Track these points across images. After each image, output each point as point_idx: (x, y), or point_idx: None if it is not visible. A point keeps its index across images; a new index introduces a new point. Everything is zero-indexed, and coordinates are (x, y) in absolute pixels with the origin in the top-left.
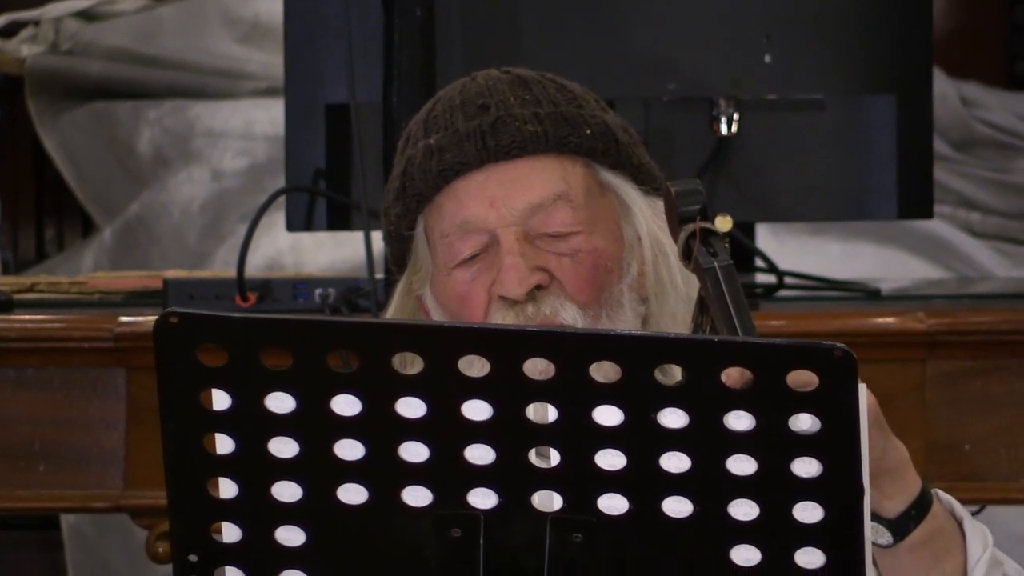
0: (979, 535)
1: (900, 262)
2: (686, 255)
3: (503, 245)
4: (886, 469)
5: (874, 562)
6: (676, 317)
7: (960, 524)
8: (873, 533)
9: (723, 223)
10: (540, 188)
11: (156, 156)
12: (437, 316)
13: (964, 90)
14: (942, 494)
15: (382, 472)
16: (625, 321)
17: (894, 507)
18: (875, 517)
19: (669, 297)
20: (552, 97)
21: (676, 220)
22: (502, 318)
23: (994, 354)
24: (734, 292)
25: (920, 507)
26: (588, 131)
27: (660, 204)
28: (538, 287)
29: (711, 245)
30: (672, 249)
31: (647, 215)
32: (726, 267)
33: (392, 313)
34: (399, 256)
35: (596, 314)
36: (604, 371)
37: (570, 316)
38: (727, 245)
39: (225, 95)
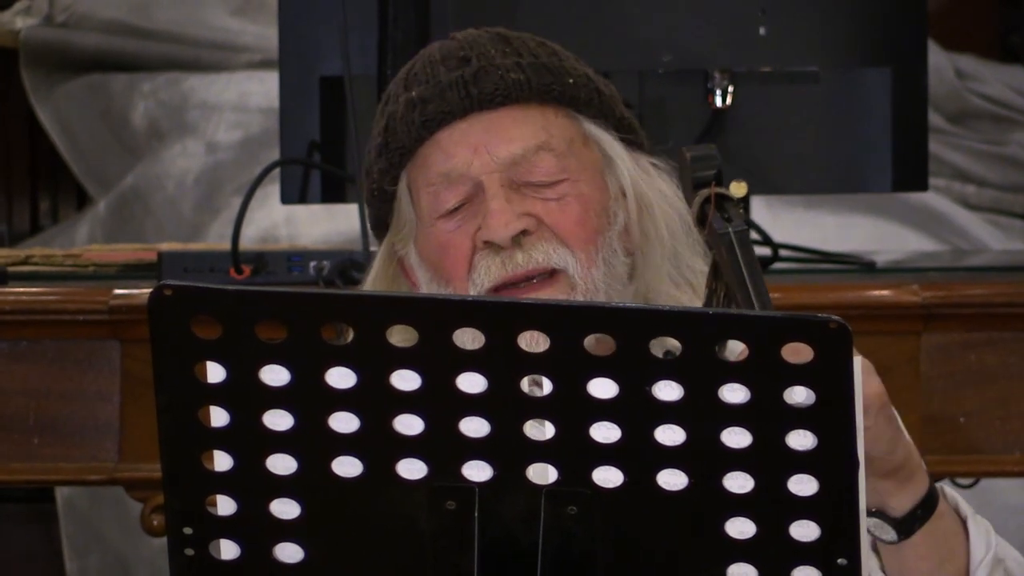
0: (983, 534)
1: (895, 235)
2: (701, 220)
3: (488, 191)
4: (896, 467)
5: (875, 550)
6: (660, 271)
7: (964, 522)
8: (878, 530)
9: (738, 188)
10: (523, 137)
11: (151, 129)
12: (420, 273)
13: (958, 63)
14: (948, 491)
15: (377, 445)
16: (617, 267)
17: (901, 506)
18: (881, 515)
19: (654, 251)
20: (533, 50)
21: (691, 185)
22: (487, 266)
23: (989, 326)
24: (748, 258)
25: (926, 507)
26: (571, 80)
27: (643, 159)
28: (524, 233)
29: (726, 210)
30: (656, 201)
31: (630, 167)
32: (741, 232)
33: (372, 277)
34: (381, 217)
35: (590, 257)
36: (598, 343)
37: (561, 259)
38: (742, 211)
39: (220, 67)
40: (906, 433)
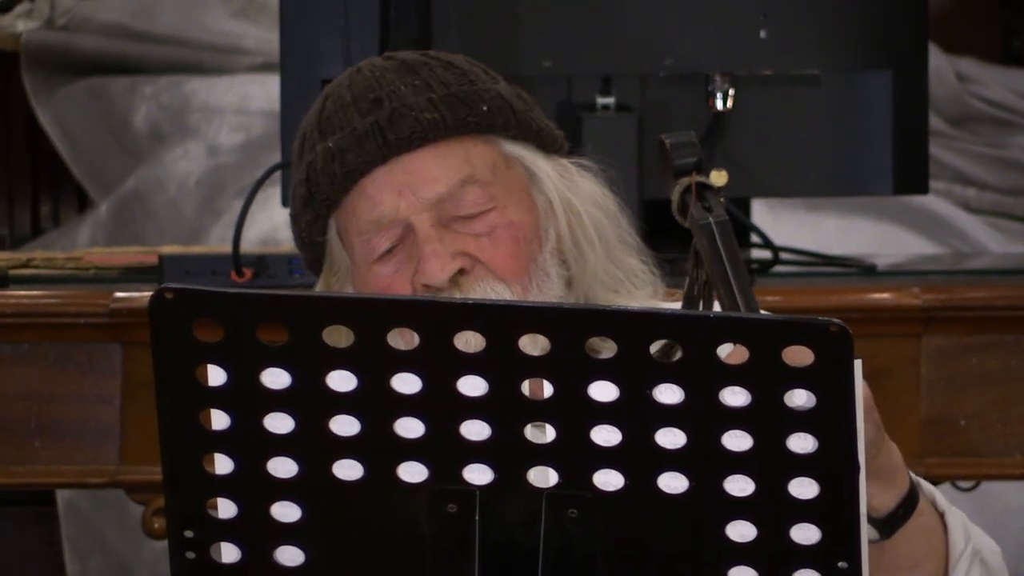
0: (960, 528)
1: (896, 238)
2: (681, 210)
3: (419, 234)
4: (878, 469)
5: None
6: (598, 275)
7: (942, 516)
8: None
9: (718, 177)
10: (446, 175)
11: (152, 132)
12: None
13: (959, 66)
14: (924, 485)
15: (378, 448)
16: (552, 288)
17: (883, 506)
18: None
19: (588, 257)
20: (442, 78)
21: (670, 173)
22: None
23: (990, 329)
24: (730, 248)
25: (907, 506)
26: (484, 107)
27: (564, 163)
28: (461, 272)
29: (706, 200)
30: (582, 207)
31: (554, 178)
32: (722, 223)
33: None
34: (313, 261)
35: (525, 287)
36: (600, 346)
37: (499, 295)
38: (722, 199)
39: (221, 71)
40: (888, 437)
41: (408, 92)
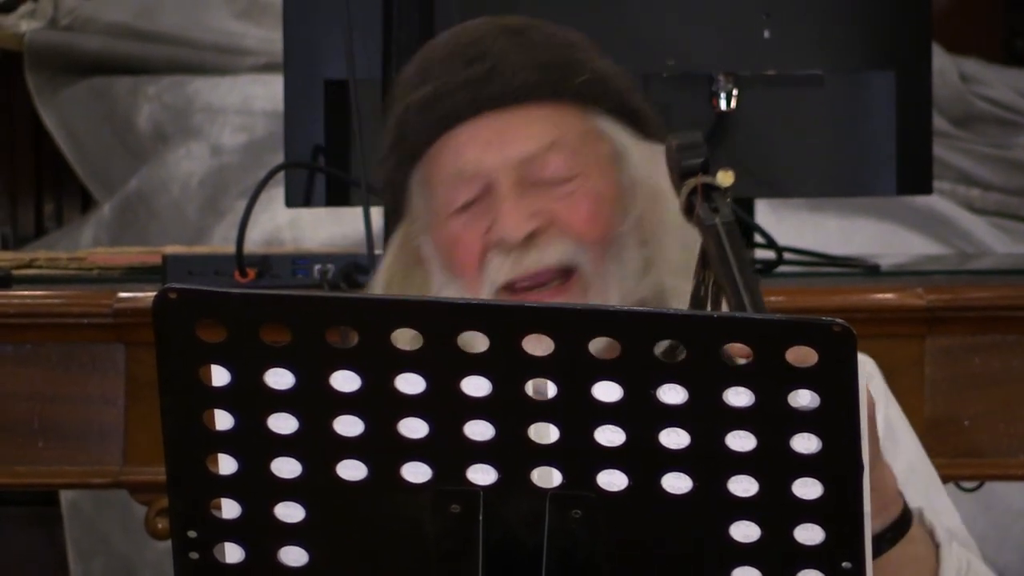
0: (954, 564)
1: (899, 238)
2: (688, 210)
3: (499, 189)
4: (871, 488)
5: None
6: (672, 263)
7: (938, 548)
8: None
9: (725, 178)
10: (534, 136)
11: (155, 132)
12: (434, 264)
13: (963, 66)
14: (927, 516)
15: (381, 448)
16: (630, 262)
17: (871, 526)
18: None
19: (667, 243)
20: (546, 43)
21: (677, 174)
22: (498, 266)
23: (993, 330)
24: (736, 248)
25: (896, 530)
26: (582, 77)
27: (657, 148)
28: (535, 232)
29: (713, 200)
30: (668, 192)
31: (642, 160)
32: (728, 224)
33: (387, 265)
34: (394, 209)
35: (601, 253)
36: (603, 347)
37: (572, 256)
38: (730, 200)
39: (224, 71)
40: (884, 459)
41: (510, 51)
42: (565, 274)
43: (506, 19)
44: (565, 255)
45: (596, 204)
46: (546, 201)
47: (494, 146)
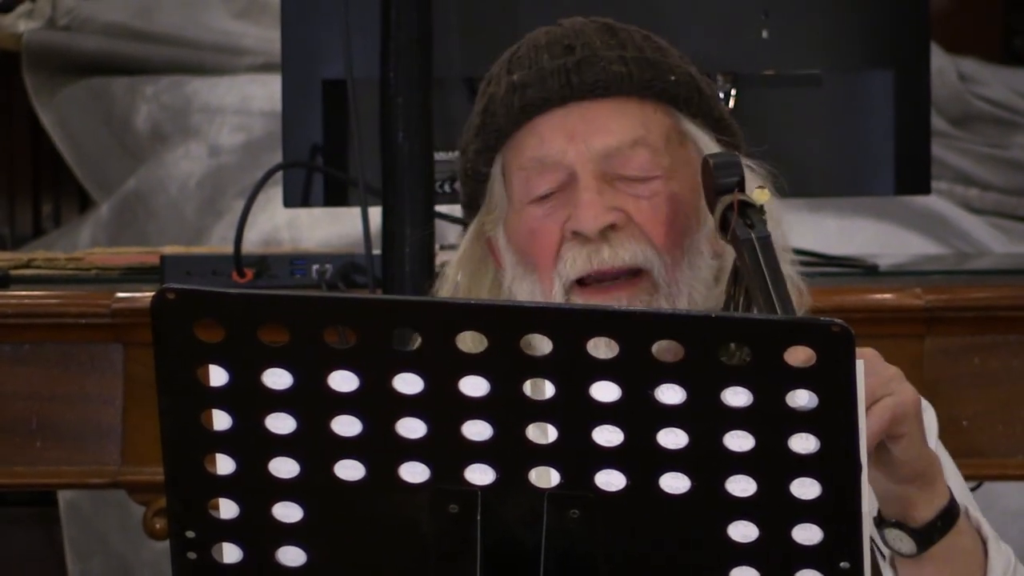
0: (1002, 557)
1: (898, 238)
2: (723, 227)
3: (580, 181)
4: (917, 475)
5: (893, 566)
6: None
7: (985, 543)
8: (896, 541)
9: (760, 195)
10: (620, 130)
11: (153, 132)
12: (507, 256)
13: (961, 66)
14: (972, 511)
15: (380, 448)
16: (703, 270)
17: (921, 516)
18: (900, 526)
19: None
20: (638, 43)
21: (713, 192)
22: (573, 257)
23: (992, 330)
24: (771, 264)
25: (946, 518)
26: (672, 78)
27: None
28: (613, 227)
29: (748, 217)
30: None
31: None
32: (763, 239)
33: (460, 256)
34: (473, 197)
35: (676, 260)
36: (602, 347)
37: (647, 259)
38: (764, 217)
39: (222, 71)
40: (928, 445)
41: (602, 46)
42: (635, 273)
43: (600, 20)
44: (639, 256)
45: (674, 208)
46: (626, 198)
47: (578, 137)
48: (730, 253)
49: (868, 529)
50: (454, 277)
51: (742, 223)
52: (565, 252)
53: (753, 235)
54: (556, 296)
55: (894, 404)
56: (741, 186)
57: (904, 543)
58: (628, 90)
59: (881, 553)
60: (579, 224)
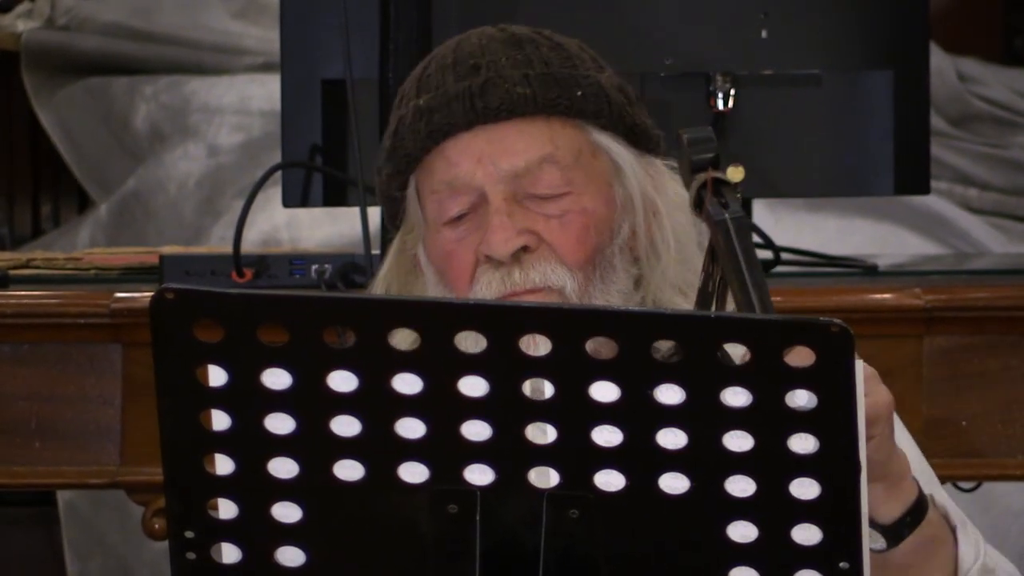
0: (971, 543)
1: (897, 238)
2: (697, 205)
3: (491, 204)
4: (886, 474)
5: None
6: (668, 276)
7: (954, 531)
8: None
9: (735, 173)
10: (527, 150)
11: (152, 132)
12: (429, 274)
13: (961, 66)
14: (938, 498)
15: (378, 448)
16: (617, 282)
17: (890, 512)
18: (871, 523)
19: (661, 257)
20: (545, 57)
21: (688, 169)
22: (487, 281)
23: (991, 330)
24: (745, 244)
25: (916, 514)
26: (579, 92)
27: (655, 163)
28: (525, 249)
29: (723, 195)
30: (665, 208)
31: (639, 175)
32: (738, 219)
33: (386, 271)
34: (391, 216)
35: (588, 276)
36: (601, 347)
37: (559, 279)
38: (739, 196)
39: (221, 71)
40: (895, 442)
41: (507, 64)
42: (549, 292)
43: (509, 30)
44: (549, 277)
45: (585, 226)
46: (537, 219)
47: (486, 159)
48: (653, 253)
49: (867, 529)
50: (383, 292)
51: (716, 202)
52: (480, 275)
53: (727, 215)
54: None
55: (868, 407)
56: (716, 163)
57: (875, 540)
58: (534, 109)
59: None
60: (490, 248)
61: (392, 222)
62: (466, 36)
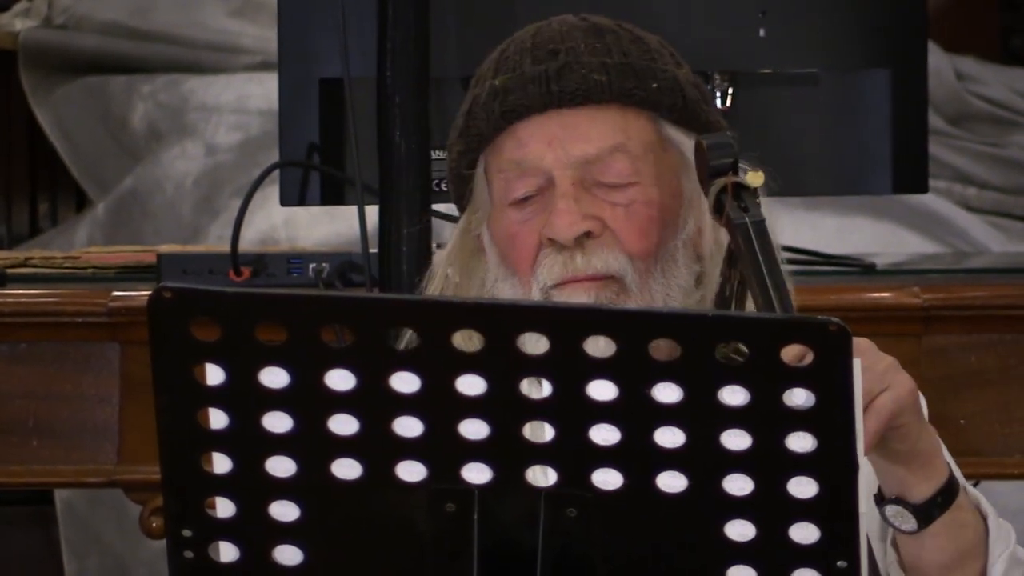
0: (1003, 533)
1: (895, 237)
2: (717, 210)
3: (558, 188)
4: (918, 452)
5: (894, 545)
6: None
7: (985, 520)
8: (898, 519)
9: (755, 178)
10: (599, 138)
11: (150, 131)
12: (491, 255)
13: (959, 64)
14: (971, 489)
15: (376, 447)
16: (678, 276)
17: (922, 492)
18: (902, 502)
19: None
20: (624, 48)
21: (707, 174)
22: (550, 264)
23: (989, 329)
24: (765, 248)
25: (946, 495)
26: (655, 85)
27: None
28: (588, 235)
29: (742, 200)
30: None
31: None
32: (758, 223)
33: (450, 250)
34: (459, 195)
35: (649, 268)
36: (599, 346)
37: (620, 267)
38: (759, 200)
39: (219, 69)
40: (927, 422)
41: (585, 51)
42: (610, 279)
43: (591, 19)
44: (611, 264)
45: (650, 216)
46: (603, 206)
47: (557, 143)
48: (718, 252)
49: (865, 528)
50: (444, 272)
51: (736, 206)
52: (542, 259)
53: (748, 219)
54: (535, 299)
55: (892, 400)
56: (735, 168)
57: (905, 520)
58: (608, 98)
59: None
60: (554, 232)
61: (459, 202)
62: (547, 22)
